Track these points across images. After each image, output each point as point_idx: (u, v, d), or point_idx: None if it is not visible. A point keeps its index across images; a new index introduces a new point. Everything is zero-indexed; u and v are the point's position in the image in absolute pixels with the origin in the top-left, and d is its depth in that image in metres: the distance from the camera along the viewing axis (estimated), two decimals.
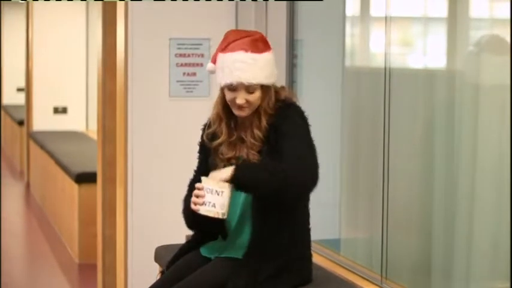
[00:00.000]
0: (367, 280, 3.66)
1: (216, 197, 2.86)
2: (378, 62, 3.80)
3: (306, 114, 3.05)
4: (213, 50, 3.27)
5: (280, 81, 4.27)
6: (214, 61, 3.09)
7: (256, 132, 3.01)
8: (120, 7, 4.66)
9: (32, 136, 9.65)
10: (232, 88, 2.99)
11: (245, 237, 3.06)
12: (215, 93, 3.16)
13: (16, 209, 9.31)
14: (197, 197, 2.87)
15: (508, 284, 3.02)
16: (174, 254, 3.26)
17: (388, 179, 3.63)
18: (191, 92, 4.60)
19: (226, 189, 2.86)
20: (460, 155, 3.33)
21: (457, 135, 3.35)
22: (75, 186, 6.67)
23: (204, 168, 3.12)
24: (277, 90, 3.08)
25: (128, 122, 4.55)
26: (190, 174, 3.20)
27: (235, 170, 2.86)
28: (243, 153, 3.04)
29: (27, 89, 10.33)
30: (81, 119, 9.86)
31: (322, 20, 4.42)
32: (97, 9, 5.61)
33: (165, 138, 4.59)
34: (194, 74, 4.58)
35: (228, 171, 2.87)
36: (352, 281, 3.60)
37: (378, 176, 3.68)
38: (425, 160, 3.57)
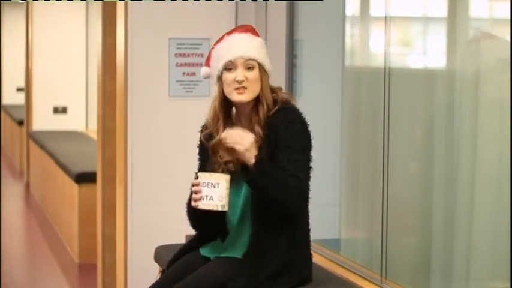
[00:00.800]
0: (367, 280, 3.66)
1: (213, 189, 2.88)
2: (378, 62, 3.80)
3: (305, 116, 3.02)
4: None
5: (280, 81, 4.29)
6: (208, 64, 3.11)
7: (257, 128, 2.99)
8: (120, 7, 4.66)
9: (32, 136, 9.65)
10: (231, 66, 2.99)
11: (245, 237, 3.05)
12: None
13: (16, 209, 9.30)
14: (196, 193, 2.90)
15: (508, 284, 3.02)
16: (175, 253, 3.26)
17: (388, 179, 3.62)
18: (191, 92, 4.60)
19: (222, 180, 2.88)
20: (460, 155, 3.32)
21: (456, 135, 3.34)
22: (75, 186, 6.67)
23: (205, 169, 3.12)
24: (275, 90, 3.08)
25: (127, 122, 4.55)
26: (191, 174, 3.19)
27: (255, 167, 2.85)
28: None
29: (27, 89, 10.32)
30: (81, 119, 9.86)
31: (322, 20, 4.42)
32: (97, 9, 5.61)
33: (164, 138, 4.59)
34: (194, 73, 4.58)
35: (249, 139, 2.86)
36: (352, 281, 3.60)
37: (377, 176, 3.68)
38: (425, 160, 3.57)
